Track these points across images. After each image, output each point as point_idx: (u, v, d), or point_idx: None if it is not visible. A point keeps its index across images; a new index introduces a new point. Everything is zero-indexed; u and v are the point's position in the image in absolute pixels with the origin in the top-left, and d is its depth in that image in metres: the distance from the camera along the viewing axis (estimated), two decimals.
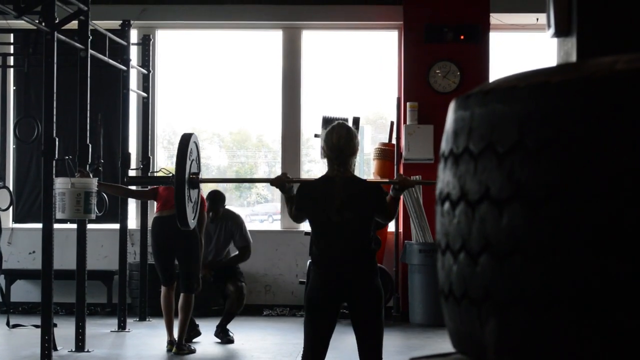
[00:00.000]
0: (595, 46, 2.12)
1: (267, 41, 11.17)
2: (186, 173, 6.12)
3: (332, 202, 4.77)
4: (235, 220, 8.77)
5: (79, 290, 7.88)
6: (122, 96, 9.67)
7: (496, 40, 10.42)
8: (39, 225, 7.53)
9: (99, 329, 9.16)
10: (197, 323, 8.52)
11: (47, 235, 7.26)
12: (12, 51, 10.66)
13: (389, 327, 9.31)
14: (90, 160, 8.04)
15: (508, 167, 1.59)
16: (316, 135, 9.49)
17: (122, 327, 9.16)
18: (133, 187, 8.66)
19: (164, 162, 11.28)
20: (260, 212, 12.47)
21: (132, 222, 10.31)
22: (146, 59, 10.28)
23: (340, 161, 4.85)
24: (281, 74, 10.90)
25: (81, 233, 7.97)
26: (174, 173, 6.46)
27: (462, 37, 10.13)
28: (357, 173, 5.18)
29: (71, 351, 7.78)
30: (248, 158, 12.31)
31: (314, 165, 11.65)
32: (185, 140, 6.21)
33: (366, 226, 4.84)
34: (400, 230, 10.24)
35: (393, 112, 10.49)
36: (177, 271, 7.93)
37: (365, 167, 11.11)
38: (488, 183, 1.62)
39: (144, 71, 10.23)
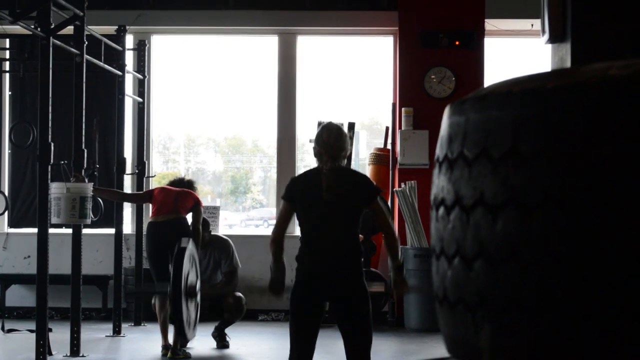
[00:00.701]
0: (589, 52, 2.13)
1: (263, 46, 11.16)
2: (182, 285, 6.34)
3: (320, 187, 4.76)
4: (222, 247, 8.59)
5: (74, 295, 7.85)
6: (117, 101, 9.66)
7: (491, 46, 10.42)
8: (34, 230, 7.50)
9: (94, 334, 9.14)
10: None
11: (42, 240, 7.24)
12: (7, 56, 10.65)
13: (385, 332, 9.30)
14: (85, 165, 8.02)
15: (503, 172, 1.58)
16: (311, 141, 9.45)
17: (117, 332, 9.14)
18: (128, 191, 8.64)
19: (160, 167, 11.26)
20: (256, 217, 12.46)
21: (128, 227, 10.29)
22: (141, 64, 10.27)
23: (330, 155, 4.84)
24: (276, 79, 10.89)
25: (76, 238, 7.94)
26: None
27: (457, 42, 10.14)
28: None
29: (66, 356, 7.76)
30: (243, 163, 12.31)
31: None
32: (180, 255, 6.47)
33: (352, 217, 4.81)
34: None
35: (388, 118, 10.50)
36: None
37: (361, 172, 11.09)
38: (483, 188, 1.61)
39: (140, 76, 10.22)
